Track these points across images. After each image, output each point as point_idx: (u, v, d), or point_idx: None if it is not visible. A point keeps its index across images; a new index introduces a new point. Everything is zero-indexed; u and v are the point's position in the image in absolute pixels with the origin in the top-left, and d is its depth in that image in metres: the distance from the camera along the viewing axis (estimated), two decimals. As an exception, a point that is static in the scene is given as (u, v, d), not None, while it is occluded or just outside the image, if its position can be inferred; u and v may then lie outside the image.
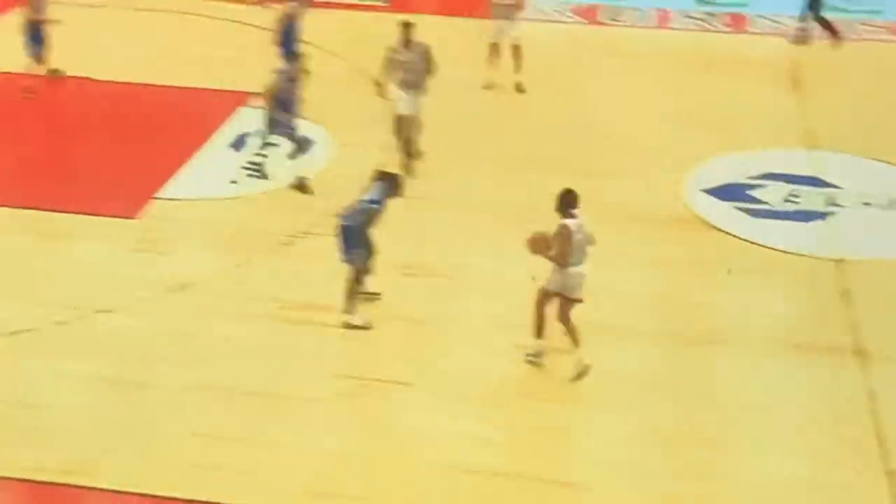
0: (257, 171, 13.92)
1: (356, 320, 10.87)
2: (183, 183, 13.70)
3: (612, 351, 10.61)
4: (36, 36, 15.81)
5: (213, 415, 9.71)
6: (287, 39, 15.27)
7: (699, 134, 15.25)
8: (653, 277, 11.91)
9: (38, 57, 15.94)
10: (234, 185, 13.69)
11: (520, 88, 16.45)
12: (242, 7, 19.78)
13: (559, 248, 9.91)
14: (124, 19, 19.33)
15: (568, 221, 9.96)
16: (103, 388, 10.04)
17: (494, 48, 16.48)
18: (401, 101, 13.72)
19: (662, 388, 10.22)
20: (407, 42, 13.73)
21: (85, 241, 12.47)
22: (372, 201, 10.79)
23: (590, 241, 10.20)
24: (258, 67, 15.30)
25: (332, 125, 14.82)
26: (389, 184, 10.96)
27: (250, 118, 15.07)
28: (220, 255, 12.20)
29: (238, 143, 14.68)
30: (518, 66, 16.46)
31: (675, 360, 10.64)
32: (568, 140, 14.99)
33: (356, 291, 10.92)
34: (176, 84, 16.41)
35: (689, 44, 19.16)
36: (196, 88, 16.25)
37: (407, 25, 13.78)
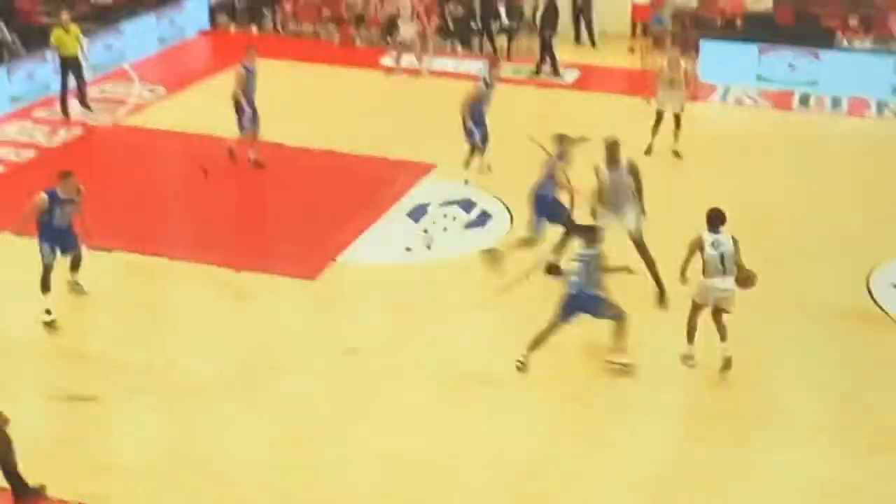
0: (432, 241, 14.15)
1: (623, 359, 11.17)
2: (362, 248, 14.00)
3: (792, 452, 10.13)
4: (243, 110, 15.99)
5: (380, 482, 9.71)
6: (475, 117, 15.48)
7: (891, 226, 14.64)
8: (835, 376, 11.33)
9: (247, 130, 16.15)
10: (408, 252, 13.91)
11: (677, 155, 16.82)
12: (437, 81, 20.29)
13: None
14: (317, 87, 20.10)
15: (704, 234, 11.00)
16: (277, 445, 10.20)
17: (659, 116, 16.79)
18: (605, 222, 12.68)
19: (847, 497, 9.66)
20: (613, 161, 12.61)
21: (267, 299, 12.83)
22: (588, 256, 10.97)
23: (734, 260, 10.98)
24: (444, 141, 15.60)
25: (513, 201, 14.91)
26: (589, 236, 11.15)
27: (430, 189, 15.37)
28: (392, 321, 12.36)
29: (417, 213, 14.94)
30: (677, 134, 16.80)
31: (859, 467, 10.02)
32: (749, 223, 14.57)
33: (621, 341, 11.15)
34: (365, 153, 16.87)
35: (885, 134, 18.51)
36: (383, 158, 16.68)
37: (613, 145, 12.65)
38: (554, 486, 9.70)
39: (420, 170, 16.04)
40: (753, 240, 13.96)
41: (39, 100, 19.13)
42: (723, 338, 11.13)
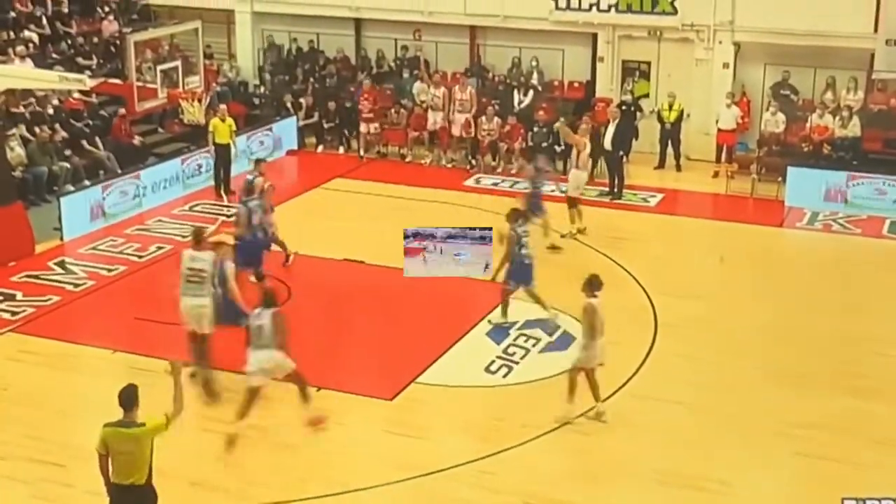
0: (512, 362, 14.00)
1: None
2: (442, 368, 13.88)
3: None
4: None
5: None
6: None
7: None
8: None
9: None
10: (489, 374, 13.76)
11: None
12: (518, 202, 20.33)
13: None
14: (400, 208, 20.31)
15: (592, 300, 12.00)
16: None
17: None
18: None
19: None
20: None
21: (343, 418, 12.73)
22: None
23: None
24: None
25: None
26: None
27: (513, 310, 15.26)
28: (469, 444, 12.15)
29: (499, 334, 14.82)
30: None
31: None
32: (842, 357, 14.20)
33: None
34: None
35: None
36: (466, 277, 16.63)
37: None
38: None
39: (504, 290, 15.94)
40: (844, 366, 13.64)
41: (131, 216, 19.66)
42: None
